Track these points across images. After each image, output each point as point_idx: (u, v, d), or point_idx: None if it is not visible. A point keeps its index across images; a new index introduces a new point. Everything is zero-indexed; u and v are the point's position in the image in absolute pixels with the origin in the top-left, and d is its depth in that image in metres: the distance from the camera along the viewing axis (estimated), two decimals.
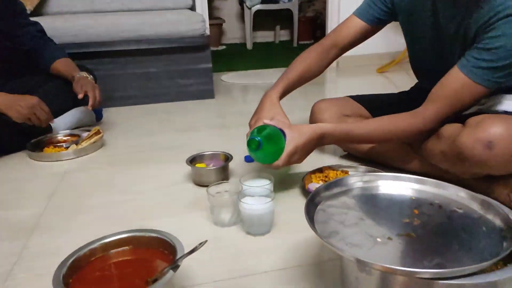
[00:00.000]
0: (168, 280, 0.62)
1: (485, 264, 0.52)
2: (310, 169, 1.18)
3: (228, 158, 1.23)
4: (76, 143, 1.52)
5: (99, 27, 2.05)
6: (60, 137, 1.61)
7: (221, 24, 4.66)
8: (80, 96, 1.56)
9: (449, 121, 1.11)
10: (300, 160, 1.05)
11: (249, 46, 4.53)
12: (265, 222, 0.93)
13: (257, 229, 0.93)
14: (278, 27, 4.99)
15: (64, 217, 1.05)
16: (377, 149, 1.25)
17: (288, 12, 4.55)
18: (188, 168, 1.21)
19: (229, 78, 2.86)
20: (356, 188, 0.76)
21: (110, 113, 2.03)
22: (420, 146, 1.13)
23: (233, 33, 4.99)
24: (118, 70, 2.14)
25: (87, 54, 2.04)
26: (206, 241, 0.68)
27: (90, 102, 1.57)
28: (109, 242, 0.74)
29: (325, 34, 2.93)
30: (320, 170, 1.17)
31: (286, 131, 1.02)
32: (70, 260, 0.68)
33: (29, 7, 2.11)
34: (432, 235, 0.63)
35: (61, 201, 1.15)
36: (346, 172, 1.16)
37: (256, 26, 4.69)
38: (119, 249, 0.74)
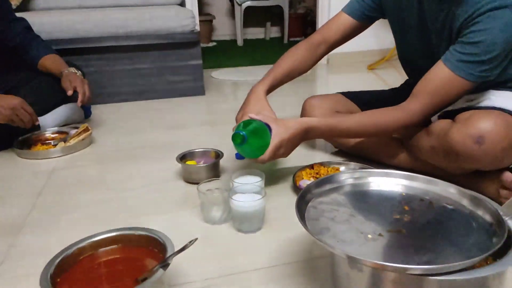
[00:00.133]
0: (158, 279, 0.62)
1: (475, 260, 0.52)
2: (301, 166, 1.18)
3: (219, 155, 1.22)
4: (64, 140, 1.50)
5: (87, 23, 2.02)
6: (48, 134, 1.59)
7: (211, 21, 4.63)
8: (70, 92, 1.53)
9: (437, 115, 1.12)
10: (286, 154, 1.06)
11: (239, 42, 4.51)
12: (256, 219, 0.92)
13: (248, 226, 0.92)
14: (268, 24, 4.97)
15: (52, 216, 1.04)
16: (365, 144, 1.25)
17: (278, 9, 4.54)
18: (178, 165, 1.20)
19: (219, 74, 2.84)
20: (347, 185, 0.76)
21: (99, 110, 2.01)
22: (410, 142, 1.14)
23: (223, 29, 4.97)
24: (107, 67, 2.12)
25: (75, 50, 2.01)
26: (196, 239, 0.68)
27: (80, 98, 1.54)
28: (98, 240, 0.73)
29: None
30: (311, 166, 1.17)
31: (272, 125, 1.03)
32: (58, 259, 0.67)
33: (15, 2, 2.07)
34: (422, 231, 0.63)
35: (49, 199, 1.13)
36: (337, 169, 1.16)
37: (247, 23, 4.67)
38: (108, 247, 0.73)
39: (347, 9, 1.24)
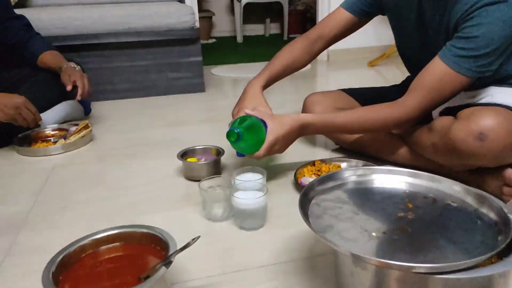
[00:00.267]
0: (161, 277, 0.61)
1: (481, 258, 0.52)
2: (302, 163, 1.18)
3: (220, 152, 1.21)
4: (65, 137, 1.50)
5: (86, 19, 2.01)
6: (48, 131, 1.58)
7: (211, 17, 4.61)
8: (69, 87, 1.53)
9: (438, 112, 1.11)
10: (281, 150, 1.06)
11: (239, 39, 4.50)
12: (258, 216, 0.92)
13: (250, 224, 0.92)
14: (268, 20, 4.96)
15: (53, 213, 1.03)
16: (366, 141, 1.24)
17: (278, 5, 4.53)
18: (179, 162, 1.20)
19: (219, 71, 2.83)
20: (350, 182, 0.75)
21: (98, 107, 2.00)
22: (411, 139, 1.13)
23: (223, 26, 4.95)
24: (106, 63, 2.11)
25: (75, 47, 2.01)
26: (199, 236, 0.67)
27: (79, 92, 1.53)
28: (100, 238, 0.72)
29: None
30: (312, 163, 1.16)
31: (267, 121, 1.03)
32: (60, 257, 0.66)
33: None
34: (426, 229, 0.63)
35: (49, 197, 1.12)
36: (338, 166, 1.16)
37: (246, 19, 4.65)
38: (110, 245, 0.73)
39: (346, 5, 1.23)
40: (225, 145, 1.25)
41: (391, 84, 1.43)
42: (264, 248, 0.86)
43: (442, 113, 1.12)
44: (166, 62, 2.18)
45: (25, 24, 1.71)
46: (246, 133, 0.99)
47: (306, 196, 0.69)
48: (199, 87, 2.26)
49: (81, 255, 0.70)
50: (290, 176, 1.16)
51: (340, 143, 1.35)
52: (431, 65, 0.98)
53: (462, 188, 0.69)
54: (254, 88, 1.17)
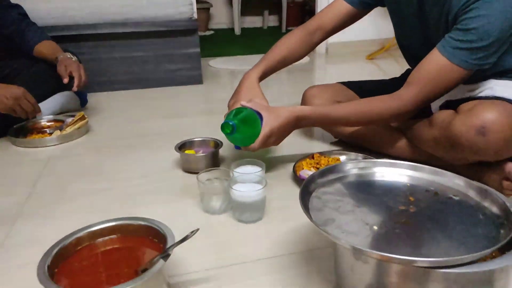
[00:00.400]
0: (159, 270, 0.60)
1: (485, 252, 0.51)
2: (301, 155, 1.17)
3: (218, 144, 1.20)
4: (60, 129, 1.48)
5: (83, 9, 1.99)
6: (43, 122, 1.56)
7: (209, 9, 4.57)
8: (65, 80, 1.51)
9: (438, 106, 1.10)
10: (276, 142, 1.05)
11: (237, 31, 4.47)
12: (256, 209, 0.91)
13: (248, 217, 0.91)
14: (266, 13, 4.92)
15: (49, 205, 1.02)
16: (365, 134, 1.23)
17: None
18: (177, 155, 1.18)
19: (217, 63, 2.81)
20: (351, 175, 0.74)
21: (95, 98, 1.98)
22: (411, 133, 1.12)
23: (220, 18, 4.91)
24: (103, 54, 2.09)
25: (71, 37, 1.98)
26: (197, 229, 0.66)
27: (76, 83, 1.52)
28: (96, 230, 0.71)
29: None
30: (311, 156, 1.16)
31: (263, 113, 1.02)
32: (56, 249, 0.65)
33: None
34: (428, 222, 0.62)
35: (45, 188, 1.11)
36: (338, 159, 1.15)
37: (244, 11, 4.61)
38: (107, 237, 0.72)
39: None
40: (223, 137, 1.23)
41: (390, 77, 1.42)
42: (262, 241, 0.85)
43: (442, 107, 1.12)
44: (163, 53, 2.15)
45: (21, 13, 1.68)
46: (241, 125, 0.98)
47: (306, 189, 0.68)
48: (197, 79, 2.24)
49: (77, 248, 0.69)
50: (289, 169, 1.15)
51: (339, 136, 1.34)
52: (429, 57, 0.98)
53: (464, 181, 0.69)
54: (251, 79, 1.16)
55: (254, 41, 3.99)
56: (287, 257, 0.80)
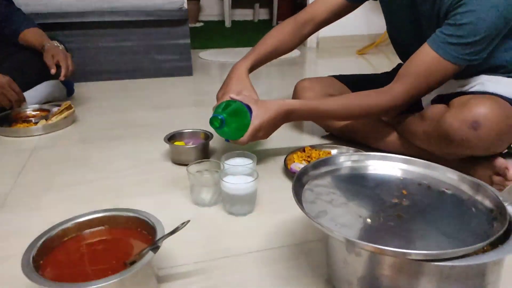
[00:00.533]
0: (148, 262, 0.59)
1: (479, 246, 0.51)
2: (291, 148, 1.16)
3: (208, 136, 1.19)
4: (46, 118, 1.45)
5: None
6: (29, 111, 1.52)
7: (199, 0, 4.52)
8: (53, 71, 1.47)
9: (430, 100, 1.10)
10: (265, 136, 1.05)
11: (227, 23, 4.43)
12: (247, 201, 0.90)
13: (239, 209, 0.90)
14: (257, 6, 4.88)
15: (34, 195, 0.99)
16: (356, 128, 1.23)
17: None
18: (166, 146, 1.16)
19: (207, 55, 2.78)
20: (344, 168, 0.74)
21: (82, 88, 1.94)
22: (402, 127, 1.12)
23: (211, 10, 4.86)
24: (91, 43, 2.04)
25: (58, 25, 1.93)
26: (188, 221, 0.65)
27: (63, 72, 1.48)
28: (83, 221, 0.69)
29: None
30: (302, 149, 1.15)
31: (252, 106, 1.01)
32: (41, 241, 0.63)
33: None
34: (421, 215, 0.62)
35: (30, 179, 1.08)
36: (329, 152, 1.14)
37: (235, 4, 4.57)
38: (94, 229, 0.70)
39: None
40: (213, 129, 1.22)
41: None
42: (253, 234, 0.84)
43: (434, 101, 1.12)
44: (152, 43, 2.12)
45: None
46: (230, 119, 0.97)
47: (299, 181, 0.67)
48: (187, 71, 2.22)
49: (64, 239, 0.67)
50: (279, 162, 1.14)
51: (330, 130, 1.34)
52: (419, 52, 0.97)
53: (457, 175, 0.69)
54: (240, 70, 1.14)
55: (244, 34, 3.96)
56: (278, 250, 0.79)
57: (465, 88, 1.06)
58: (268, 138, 1.07)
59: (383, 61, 2.67)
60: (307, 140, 1.34)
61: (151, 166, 1.14)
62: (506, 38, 0.95)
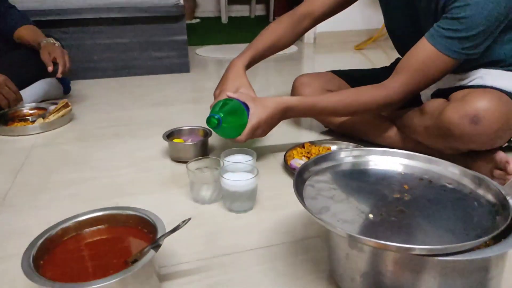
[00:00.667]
0: (149, 260, 0.58)
1: (482, 240, 0.51)
2: (291, 144, 1.15)
3: (207, 133, 1.18)
4: (43, 116, 1.43)
5: None
6: (25, 110, 1.51)
7: None
8: (50, 68, 1.46)
9: (430, 95, 1.10)
10: (263, 134, 1.04)
11: (224, 20, 4.40)
12: (248, 198, 0.89)
13: (239, 206, 0.89)
14: (254, 1, 4.86)
15: (32, 195, 0.99)
16: (355, 123, 1.22)
17: None
18: (165, 143, 1.16)
19: (204, 52, 2.77)
20: (345, 163, 0.73)
21: (78, 86, 1.92)
22: (401, 122, 1.12)
23: (207, 6, 4.83)
24: (87, 40, 2.03)
25: (53, 22, 1.91)
26: (189, 218, 0.64)
27: (60, 69, 1.47)
28: (83, 220, 0.69)
29: None
30: (302, 146, 1.14)
31: (250, 104, 1.00)
32: (41, 240, 0.63)
33: None
34: (423, 210, 0.61)
35: (28, 178, 1.07)
36: (328, 148, 1.14)
37: (231, 0, 4.55)
38: (94, 228, 0.69)
39: None
40: None
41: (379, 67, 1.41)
42: (253, 231, 0.84)
43: (433, 95, 1.12)
44: (149, 40, 2.10)
45: None
46: (228, 118, 0.97)
47: (300, 177, 0.67)
48: (184, 67, 2.20)
49: (64, 238, 0.67)
50: (279, 158, 1.14)
51: (329, 126, 1.33)
52: (417, 46, 0.97)
53: (459, 170, 0.68)
54: (237, 67, 1.13)
55: (241, 31, 3.94)
56: (279, 246, 0.79)
57: (464, 82, 1.05)
58: (266, 135, 1.06)
59: (381, 56, 2.66)
60: (307, 136, 1.34)
61: (150, 164, 1.14)
62: (504, 32, 0.94)
